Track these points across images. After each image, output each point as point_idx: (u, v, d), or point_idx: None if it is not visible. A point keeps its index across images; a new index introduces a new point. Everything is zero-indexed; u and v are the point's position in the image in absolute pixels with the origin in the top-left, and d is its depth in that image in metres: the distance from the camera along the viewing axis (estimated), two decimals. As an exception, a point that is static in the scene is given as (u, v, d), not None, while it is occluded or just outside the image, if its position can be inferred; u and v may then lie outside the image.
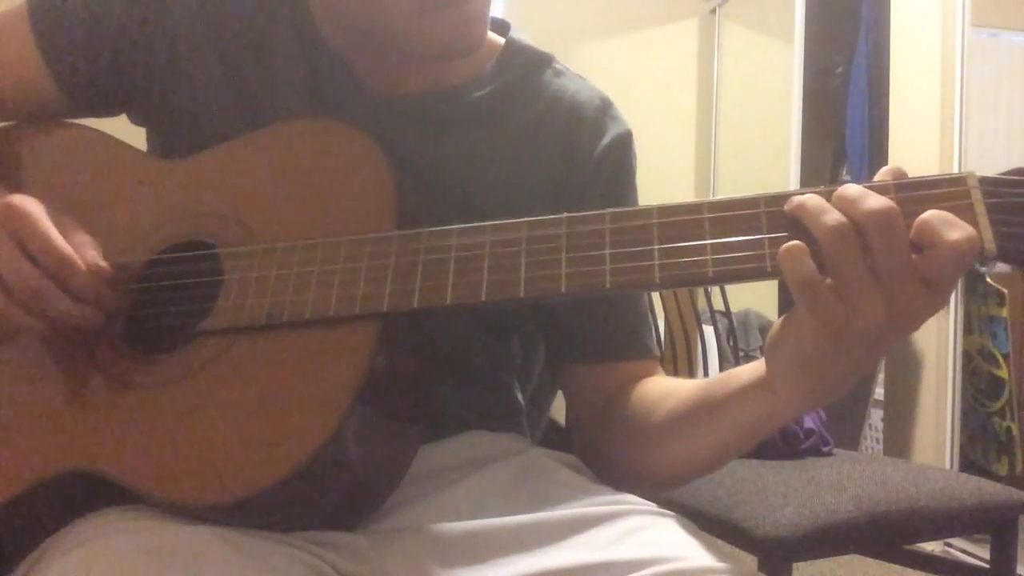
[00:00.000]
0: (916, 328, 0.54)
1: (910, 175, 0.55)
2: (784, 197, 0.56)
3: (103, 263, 0.67)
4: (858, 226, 0.52)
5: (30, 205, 0.66)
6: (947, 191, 0.53)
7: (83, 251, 0.66)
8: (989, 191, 0.52)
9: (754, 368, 0.63)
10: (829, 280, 0.53)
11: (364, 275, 0.62)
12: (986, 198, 0.52)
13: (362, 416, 0.59)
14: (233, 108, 0.77)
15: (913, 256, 0.52)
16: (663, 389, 0.75)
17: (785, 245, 0.53)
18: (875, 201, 0.52)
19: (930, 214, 0.51)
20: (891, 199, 0.52)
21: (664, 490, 0.71)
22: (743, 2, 3.82)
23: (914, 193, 0.53)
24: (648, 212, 0.59)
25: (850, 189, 0.53)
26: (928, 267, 0.51)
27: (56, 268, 0.64)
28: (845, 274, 0.52)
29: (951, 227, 0.51)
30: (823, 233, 0.52)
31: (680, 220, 0.57)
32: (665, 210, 0.58)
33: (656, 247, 0.57)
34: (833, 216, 0.52)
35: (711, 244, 0.56)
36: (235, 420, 0.60)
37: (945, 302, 0.55)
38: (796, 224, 0.54)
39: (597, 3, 3.77)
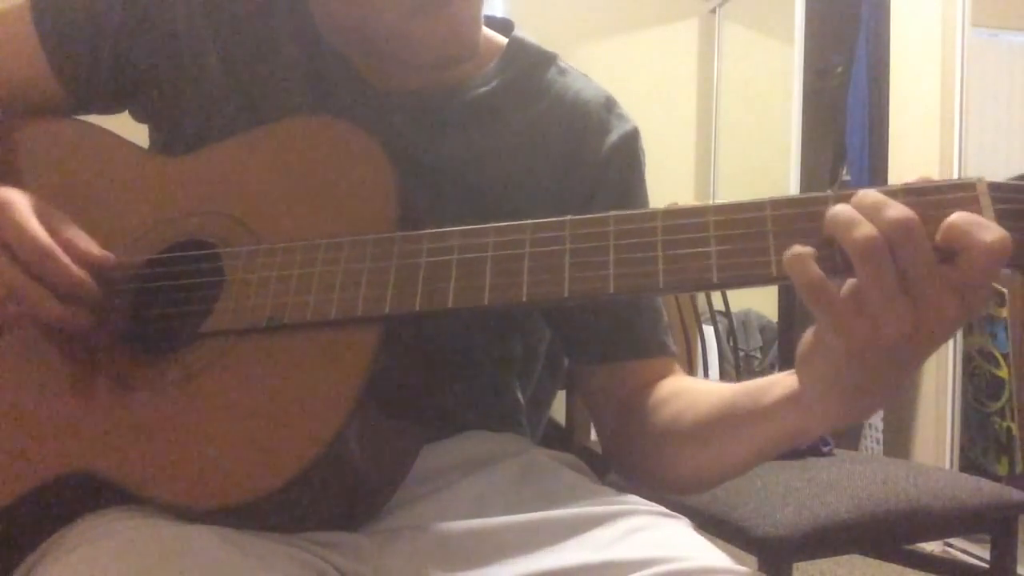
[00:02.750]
0: (947, 338, 0.52)
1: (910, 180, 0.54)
2: (790, 201, 0.55)
3: (97, 251, 0.65)
4: (883, 236, 0.50)
5: (10, 195, 0.64)
6: (956, 196, 0.52)
7: (73, 243, 0.65)
8: (998, 196, 0.51)
9: (787, 381, 0.62)
10: (847, 288, 0.51)
11: (366, 277, 0.61)
12: (995, 203, 0.51)
13: (364, 417, 0.59)
14: (235, 105, 0.77)
15: (942, 264, 0.50)
16: (689, 393, 0.74)
17: (791, 250, 0.51)
18: (895, 211, 0.50)
19: (957, 216, 0.49)
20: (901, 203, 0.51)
21: (688, 494, 0.70)
22: (743, 2, 3.82)
23: (923, 198, 0.52)
24: (653, 215, 0.58)
25: (868, 197, 0.51)
26: (960, 273, 0.50)
27: (33, 261, 0.62)
28: (870, 287, 0.50)
29: (982, 229, 0.49)
30: (854, 246, 0.50)
31: (685, 223, 0.57)
32: (670, 213, 0.58)
33: (660, 252, 0.56)
34: (864, 229, 0.49)
35: (716, 250, 0.55)
36: (236, 424, 0.59)
37: (979, 308, 0.52)
38: (804, 230, 0.53)
39: (597, 3, 3.77)
